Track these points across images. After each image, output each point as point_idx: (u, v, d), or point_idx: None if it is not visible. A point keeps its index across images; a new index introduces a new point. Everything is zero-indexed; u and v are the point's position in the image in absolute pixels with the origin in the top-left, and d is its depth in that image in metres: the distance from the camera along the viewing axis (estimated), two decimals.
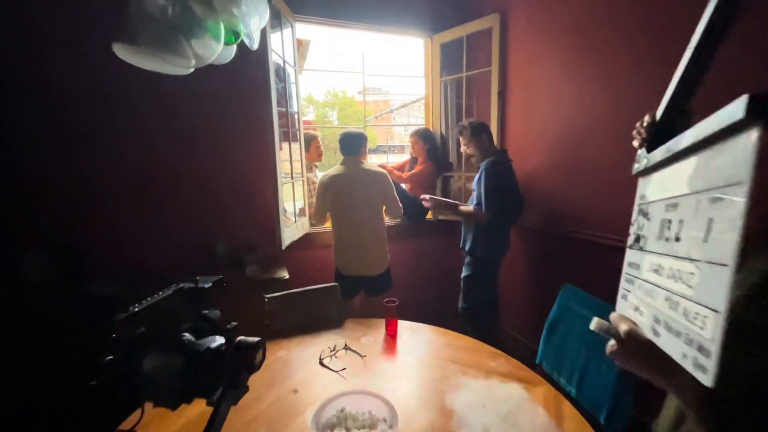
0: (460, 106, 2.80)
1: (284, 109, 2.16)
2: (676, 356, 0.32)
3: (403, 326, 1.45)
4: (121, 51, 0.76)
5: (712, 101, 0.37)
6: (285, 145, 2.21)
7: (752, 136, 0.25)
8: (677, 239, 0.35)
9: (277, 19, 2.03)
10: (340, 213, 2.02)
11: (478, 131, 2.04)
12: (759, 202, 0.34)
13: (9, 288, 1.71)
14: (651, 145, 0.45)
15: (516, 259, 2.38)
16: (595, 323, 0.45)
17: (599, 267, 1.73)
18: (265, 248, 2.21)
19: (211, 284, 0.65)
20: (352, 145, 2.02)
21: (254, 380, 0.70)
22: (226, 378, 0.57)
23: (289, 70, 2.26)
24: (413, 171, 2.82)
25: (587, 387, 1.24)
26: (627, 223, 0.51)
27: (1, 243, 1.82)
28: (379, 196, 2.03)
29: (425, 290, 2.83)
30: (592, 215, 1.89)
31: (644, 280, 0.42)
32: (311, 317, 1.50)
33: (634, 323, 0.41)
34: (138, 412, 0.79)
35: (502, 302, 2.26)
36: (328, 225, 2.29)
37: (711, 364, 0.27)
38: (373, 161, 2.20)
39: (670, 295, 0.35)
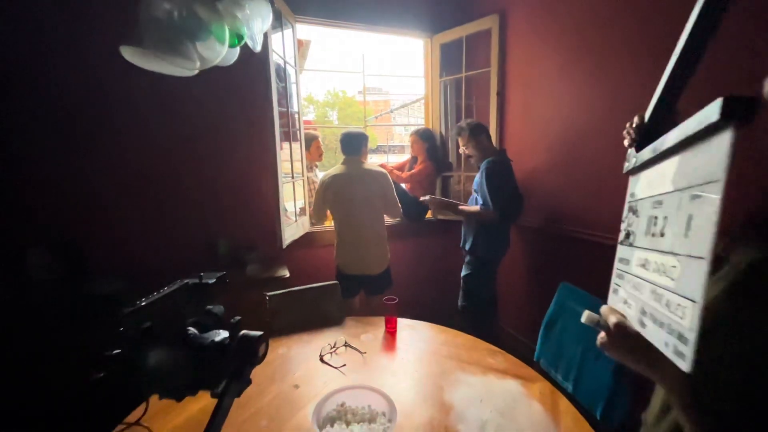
0: (459, 106, 2.82)
1: (285, 109, 2.18)
2: (660, 345, 0.33)
3: (403, 324, 1.47)
4: (128, 53, 0.78)
5: (701, 102, 0.38)
6: (285, 145, 2.23)
7: (726, 136, 0.27)
8: (662, 235, 0.37)
9: (277, 20, 2.05)
10: (341, 212, 2.04)
11: (477, 132, 2.05)
12: (741, 200, 0.36)
13: (12, 286, 1.73)
14: (641, 145, 0.47)
15: (515, 258, 2.39)
16: (585, 316, 0.47)
17: (598, 266, 1.74)
18: (266, 247, 2.23)
19: (214, 280, 0.67)
20: (353, 144, 2.04)
21: (256, 376, 0.71)
22: (230, 370, 0.59)
23: (290, 70, 2.28)
24: (413, 171, 2.84)
25: (584, 383, 1.26)
26: None
27: (4, 242, 1.84)
28: (379, 195, 2.05)
29: (424, 289, 2.85)
30: (590, 215, 1.90)
31: (633, 275, 0.44)
32: (312, 315, 1.51)
33: (623, 315, 0.43)
34: (143, 406, 0.81)
35: (501, 301, 2.28)
36: (328, 224, 2.31)
37: (689, 350, 0.28)
38: (373, 161, 2.21)
39: (655, 288, 0.36)
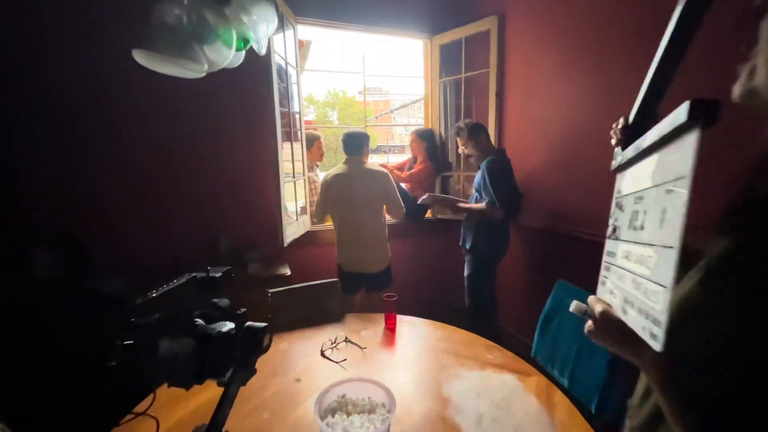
0: (459, 107, 2.85)
1: (286, 110, 2.20)
2: (638, 330, 0.36)
3: (402, 320, 1.50)
4: (140, 57, 0.81)
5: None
6: (286, 145, 2.25)
7: (693, 136, 0.30)
8: (642, 228, 0.39)
9: (279, 21, 2.07)
10: (342, 211, 2.06)
11: (475, 132, 2.08)
12: (717, 195, 0.39)
13: (15, 285, 1.76)
14: (626, 144, 0.50)
15: (513, 257, 2.42)
16: (573, 306, 0.50)
17: (595, 264, 1.77)
18: (267, 246, 2.25)
19: (221, 274, 0.70)
20: (355, 144, 2.06)
21: (259, 370, 0.74)
22: (237, 359, 0.61)
23: (291, 70, 2.31)
24: (412, 171, 2.86)
25: (579, 378, 1.29)
26: None
27: (7, 241, 1.86)
28: (381, 195, 2.07)
29: (424, 288, 2.87)
30: (588, 214, 1.93)
31: (618, 266, 0.47)
32: (313, 311, 1.54)
33: (608, 305, 0.46)
34: (150, 397, 0.84)
35: (500, 300, 2.30)
36: (328, 223, 2.33)
37: (660, 332, 0.31)
38: (373, 161, 2.23)
39: (635, 278, 0.39)
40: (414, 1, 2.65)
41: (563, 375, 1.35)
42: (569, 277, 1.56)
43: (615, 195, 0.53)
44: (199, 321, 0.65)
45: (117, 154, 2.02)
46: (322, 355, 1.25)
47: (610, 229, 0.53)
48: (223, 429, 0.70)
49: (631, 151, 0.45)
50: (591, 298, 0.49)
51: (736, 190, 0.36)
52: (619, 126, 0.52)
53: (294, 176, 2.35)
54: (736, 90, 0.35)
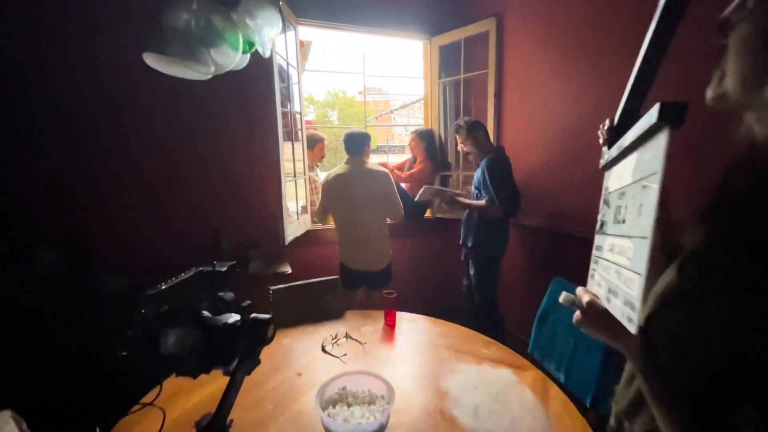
0: (458, 107, 2.88)
1: (287, 110, 2.23)
2: (618, 316, 0.39)
3: (402, 317, 1.52)
4: (150, 59, 0.84)
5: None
6: (287, 145, 2.28)
7: (664, 135, 0.32)
8: (624, 221, 0.42)
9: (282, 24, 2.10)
10: (344, 211, 2.09)
11: (474, 129, 2.10)
12: (695, 193, 0.42)
13: (18, 282, 1.78)
14: (613, 144, 0.53)
15: (511, 255, 2.44)
16: (563, 297, 0.52)
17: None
18: (268, 245, 2.28)
19: (226, 268, 0.72)
20: (356, 145, 2.09)
21: (261, 365, 0.77)
22: (242, 349, 0.64)
23: (292, 71, 2.34)
24: (412, 170, 2.89)
25: (575, 373, 1.31)
26: None
27: (10, 240, 1.88)
28: (381, 195, 2.09)
29: (423, 287, 2.90)
30: (585, 212, 1.95)
31: (604, 259, 0.50)
32: (314, 308, 1.57)
33: (595, 295, 0.49)
34: (156, 389, 0.87)
35: (499, 298, 2.32)
36: (329, 223, 2.36)
37: (635, 315, 0.34)
38: (372, 161, 2.26)
39: (618, 268, 0.42)
40: (413, 2, 2.68)
41: (559, 370, 1.38)
42: (567, 274, 1.59)
43: (603, 192, 0.56)
44: (206, 313, 0.68)
45: (119, 155, 2.04)
46: (323, 350, 1.28)
47: (598, 225, 0.56)
48: (228, 419, 0.73)
49: (615, 150, 0.48)
50: (579, 290, 0.51)
51: (712, 186, 0.39)
52: (605, 127, 0.55)
53: (295, 176, 2.38)
54: (709, 93, 0.38)
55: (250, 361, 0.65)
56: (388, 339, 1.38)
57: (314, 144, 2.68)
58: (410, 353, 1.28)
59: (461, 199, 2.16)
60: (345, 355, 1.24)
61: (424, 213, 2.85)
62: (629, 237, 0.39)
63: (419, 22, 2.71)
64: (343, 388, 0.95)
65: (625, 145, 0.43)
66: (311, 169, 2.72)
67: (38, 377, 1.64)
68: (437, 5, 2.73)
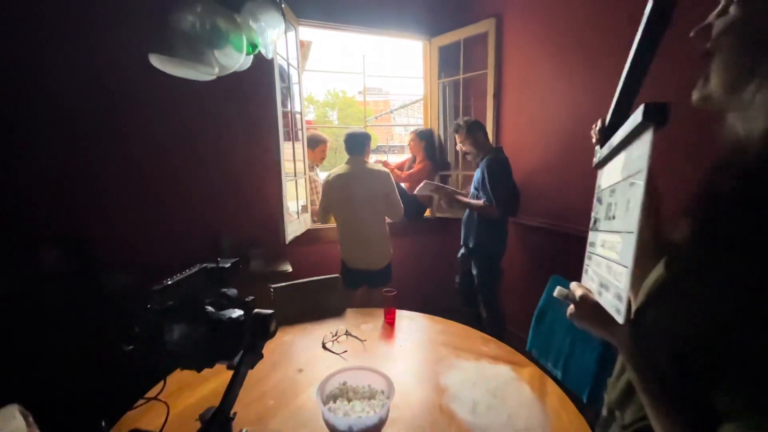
0: (457, 107, 2.89)
1: (287, 109, 2.25)
2: (608, 307, 0.40)
3: (401, 315, 1.54)
4: (156, 61, 0.85)
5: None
6: (288, 144, 2.29)
7: (648, 134, 0.34)
8: (614, 217, 0.44)
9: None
10: (345, 210, 2.10)
11: (474, 129, 2.12)
12: (684, 192, 0.43)
13: (20, 280, 1.80)
14: (605, 143, 0.54)
15: (509, 254, 2.46)
16: (557, 291, 0.54)
17: None
18: (269, 243, 2.29)
19: (229, 265, 0.74)
20: (357, 145, 2.10)
21: (262, 361, 0.78)
22: (246, 343, 0.66)
23: (292, 71, 2.35)
24: (411, 170, 2.90)
25: (572, 370, 1.33)
26: None
27: (14, 239, 1.90)
28: (382, 195, 2.11)
29: (423, 284, 2.92)
30: (583, 211, 1.96)
31: (597, 254, 0.51)
32: (314, 306, 1.58)
33: (587, 289, 0.50)
34: (161, 384, 0.88)
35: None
36: (330, 222, 2.37)
37: (622, 306, 0.35)
38: (372, 161, 2.27)
39: (608, 263, 0.44)
40: (413, 3, 2.69)
41: (557, 367, 1.39)
42: (566, 273, 1.60)
43: (596, 190, 0.57)
44: (210, 308, 0.69)
45: (120, 154, 2.05)
46: (324, 347, 1.30)
47: (591, 222, 0.58)
48: (231, 412, 0.75)
49: (606, 149, 0.50)
50: (572, 284, 0.53)
51: (698, 185, 0.40)
52: (597, 127, 0.56)
53: (295, 175, 2.40)
54: (695, 95, 0.39)
55: (253, 355, 0.67)
56: (387, 336, 1.40)
57: (317, 144, 2.70)
58: (410, 350, 1.30)
59: (460, 197, 2.17)
60: (345, 351, 1.26)
61: (424, 212, 2.87)
62: (618, 232, 0.40)
63: (419, 22, 2.73)
64: (344, 383, 0.96)
65: (614, 144, 0.45)
66: (311, 168, 2.74)
67: (44, 372, 1.65)
68: (437, 6, 2.74)
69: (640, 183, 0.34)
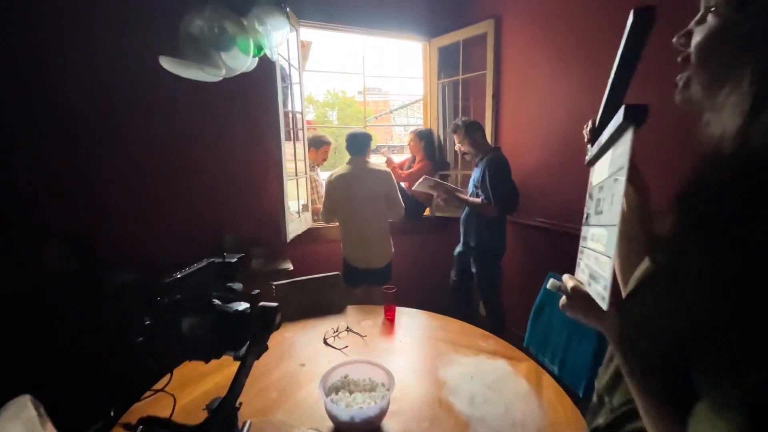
0: (457, 108, 2.92)
1: (288, 110, 2.27)
2: (594, 296, 0.43)
3: (401, 312, 1.57)
4: (165, 63, 0.88)
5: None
6: (288, 144, 2.32)
7: (629, 134, 0.37)
8: (601, 212, 0.46)
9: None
10: (347, 210, 2.13)
11: (472, 130, 2.15)
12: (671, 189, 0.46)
13: (25, 277, 1.83)
14: (595, 142, 0.57)
15: (509, 253, 2.48)
16: (550, 283, 0.57)
17: None
18: (270, 242, 2.32)
19: (235, 259, 0.77)
20: (359, 145, 2.13)
21: (265, 356, 0.81)
22: (252, 335, 0.68)
23: (293, 71, 2.38)
24: (411, 170, 2.93)
25: (568, 366, 1.36)
26: None
27: (18, 238, 1.92)
28: (383, 195, 2.14)
29: (423, 283, 2.94)
30: (581, 210, 1.99)
31: (587, 248, 0.54)
32: (315, 303, 1.61)
33: (579, 281, 0.53)
34: (167, 377, 0.91)
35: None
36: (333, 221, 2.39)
37: (606, 293, 0.38)
38: (372, 161, 2.29)
39: (597, 255, 0.46)
40: (413, 4, 2.72)
41: (554, 363, 1.42)
42: (562, 271, 1.61)
43: (588, 187, 0.60)
44: (217, 301, 0.72)
45: (123, 153, 2.07)
46: (325, 342, 1.32)
47: (584, 217, 0.60)
48: (237, 402, 0.77)
49: (595, 148, 0.52)
50: (565, 276, 0.56)
51: (679, 180, 0.43)
52: (588, 127, 0.59)
53: (296, 175, 2.42)
54: (677, 97, 0.42)
55: (259, 346, 0.69)
56: (388, 332, 1.42)
57: (320, 145, 2.73)
58: (409, 345, 1.33)
59: (459, 194, 2.20)
60: (346, 347, 1.28)
61: (423, 212, 2.89)
62: (604, 226, 0.43)
63: (419, 23, 2.75)
64: (345, 377, 0.99)
65: (602, 143, 0.47)
66: (312, 168, 2.76)
67: (51, 368, 1.68)
68: (436, 7, 2.77)
69: (622, 179, 0.37)
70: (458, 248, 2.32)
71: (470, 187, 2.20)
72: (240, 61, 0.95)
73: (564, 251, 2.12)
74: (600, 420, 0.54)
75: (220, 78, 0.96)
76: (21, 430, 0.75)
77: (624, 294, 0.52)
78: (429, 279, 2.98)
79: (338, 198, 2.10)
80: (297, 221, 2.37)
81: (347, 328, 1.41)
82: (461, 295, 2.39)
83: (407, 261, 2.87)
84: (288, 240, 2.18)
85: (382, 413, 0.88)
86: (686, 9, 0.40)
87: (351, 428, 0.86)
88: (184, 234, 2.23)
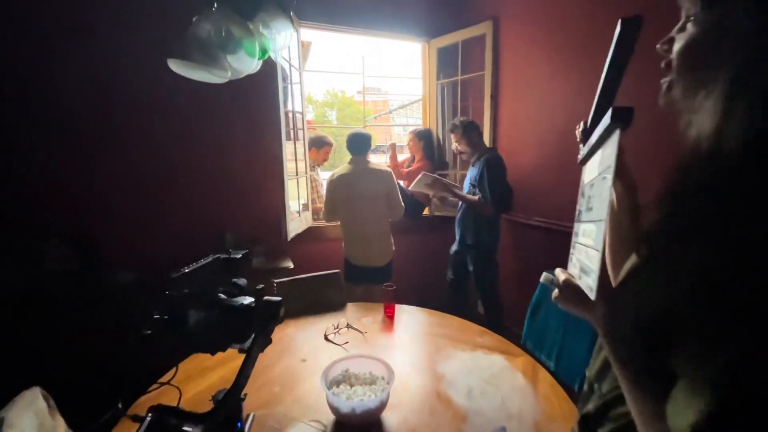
0: (455, 108, 2.95)
1: (288, 109, 2.29)
2: (584, 288, 0.46)
3: (401, 309, 1.59)
4: (173, 65, 0.91)
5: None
6: (289, 144, 2.34)
7: (616, 134, 0.39)
8: (591, 209, 0.49)
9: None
10: (348, 209, 2.15)
11: (469, 129, 2.17)
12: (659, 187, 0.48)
13: (29, 275, 1.84)
14: (586, 142, 0.60)
15: (506, 251, 2.52)
16: (543, 277, 0.60)
17: None
18: (271, 241, 2.34)
19: (240, 255, 0.79)
20: (359, 145, 2.15)
21: (267, 352, 0.83)
22: (257, 327, 0.71)
23: (293, 72, 2.40)
24: (410, 169, 2.95)
25: (564, 361, 1.39)
26: None
27: (20, 237, 1.94)
28: (384, 194, 2.16)
29: (422, 282, 2.97)
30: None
31: (579, 243, 0.57)
32: (316, 300, 1.63)
33: (570, 275, 0.56)
34: (173, 371, 0.93)
35: None
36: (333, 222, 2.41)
37: (594, 283, 0.41)
38: (372, 161, 2.32)
39: (587, 249, 0.49)
40: (413, 6, 2.74)
41: (550, 358, 1.45)
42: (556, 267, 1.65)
43: (580, 185, 0.63)
44: (222, 296, 0.74)
45: (124, 153, 2.09)
46: (326, 338, 1.35)
47: (576, 214, 0.63)
48: (242, 393, 0.80)
49: (586, 148, 0.55)
50: (557, 270, 0.58)
51: (665, 179, 0.46)
52: (580, 128, 0.62)
53: (297, 174, 2.44)
54: (661, 100, 0.45)
55: (264, 338, 0.72)
56: (387, 329, 1.45)
57: (322, 146, 2.75)
58: (408, 341, 1.35)
59: (457, 190, 2.22)
60: (347, 343, 1.31)
61: (422, 211, 2.92)
62: (594, 221, 0.46)
63: (418, 24, 2.78)
64: (346, 370, 1.02)
65: (592, 143, 0.50)
66: (312, 168, 2.79)
67: (57, 363, 1.70)
68: (436, 9, 2.79)
69: (609, 177, 0.39)
70: (454, 247, 2.34)
71: (466, 186, 2.23)
72: (246, 64, 0.98)
73: (561, 250, 2.13)
74: (590, 406, 0.57)
75: (226, 80, 0.99)
76: (33, 420, 0.77)
77: (614, 286, 0.54)
78: (428, 277, 3.00)
79: (340, 197, 2.12)
80: (297, 220, 2.39)
81: (347, 324, 1.43)
82: (459, 294, 2.42)
83: (407, 259, 2.89)
84: (289, 239, 2.20)
85: (382, 406, 0.91)
86: (675, 13, 0.43)
87: (352, 420, 0.88)
88: (185, 234, 2.24)
